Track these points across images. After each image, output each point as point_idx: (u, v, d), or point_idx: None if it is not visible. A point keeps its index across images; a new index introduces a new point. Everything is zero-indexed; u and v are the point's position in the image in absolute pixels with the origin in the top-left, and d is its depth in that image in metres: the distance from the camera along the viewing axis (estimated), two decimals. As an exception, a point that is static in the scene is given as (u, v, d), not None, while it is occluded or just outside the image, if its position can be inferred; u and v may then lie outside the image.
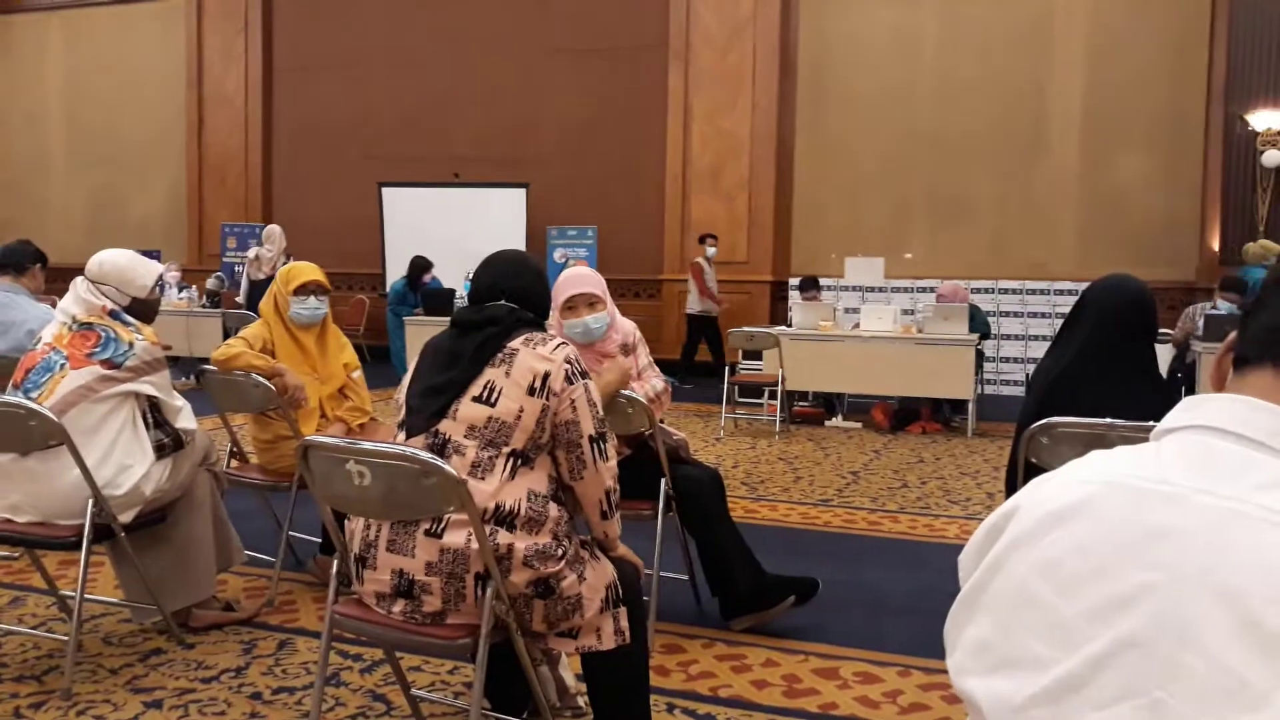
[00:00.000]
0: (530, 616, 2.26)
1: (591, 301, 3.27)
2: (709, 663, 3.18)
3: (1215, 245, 9.86)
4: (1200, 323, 7.53)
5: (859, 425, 8.08)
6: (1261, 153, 9.58)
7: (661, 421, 3.46)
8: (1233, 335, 1.02)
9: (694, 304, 10.27)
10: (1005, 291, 10.40)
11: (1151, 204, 10.33)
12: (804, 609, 3.43)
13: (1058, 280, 10.15)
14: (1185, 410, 0.98)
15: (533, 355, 2.29)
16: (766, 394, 8.28)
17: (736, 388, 8.38)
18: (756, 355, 8.54)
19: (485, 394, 2.26)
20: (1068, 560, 0.93)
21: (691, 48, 11.30)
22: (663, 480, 3.33)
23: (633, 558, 2.50)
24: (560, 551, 2.24)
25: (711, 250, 10.23)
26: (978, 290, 10.34)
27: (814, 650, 3.28)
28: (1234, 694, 0.79)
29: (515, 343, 2.31)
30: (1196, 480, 0.90)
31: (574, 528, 2.38)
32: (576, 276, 3.36)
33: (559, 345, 2.32)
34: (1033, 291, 10.34)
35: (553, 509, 2.27)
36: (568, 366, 2.29)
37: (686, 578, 3.65)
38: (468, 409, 2.26)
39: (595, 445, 2.32)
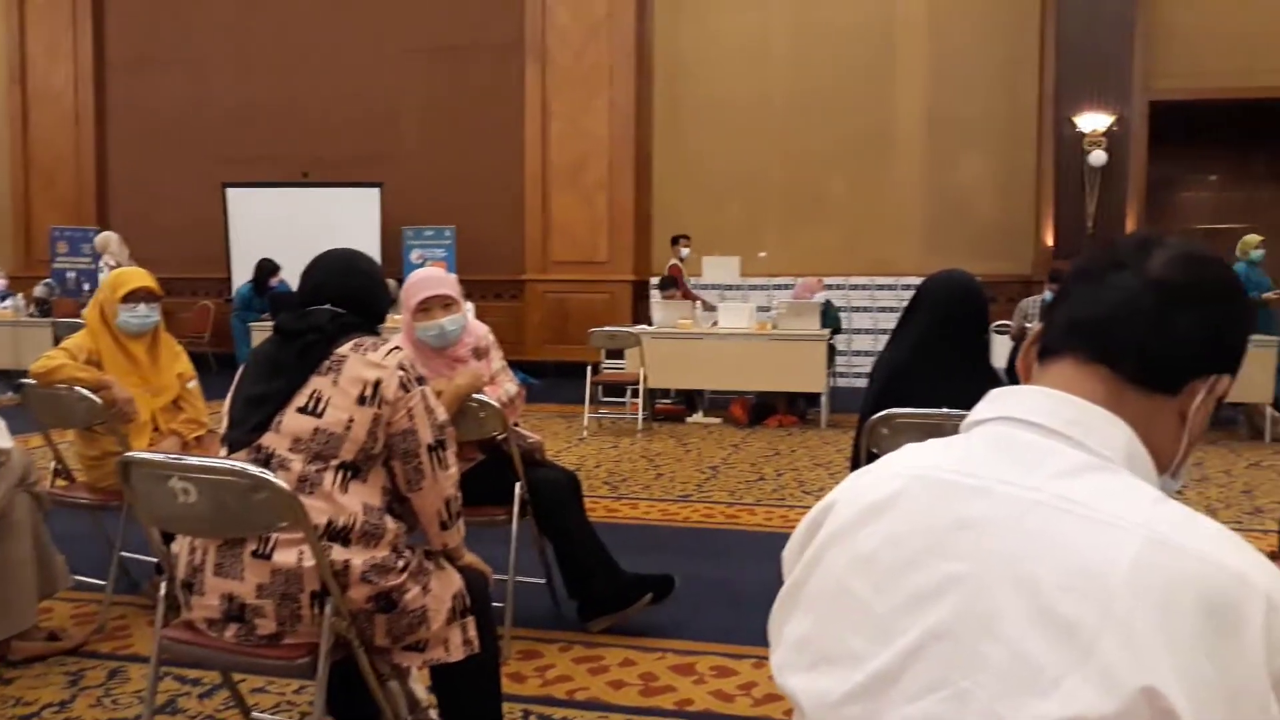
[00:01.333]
0: (373, 632, 2.19)
1: (446, 303, 3.20)
2: (566, 666, 3.16)
3: (1049, 240, 10.41)
4: (1035, 313, 7.95)
5: (719, 421, 8.21)
6: (1088, 153, 10.16)
7: (516, 425, 3.42)
8: (1039, 328, 1.05)
9: None
10: (856, 287, 10.74)
11: (991, 202, 10.84)
12: (662, 606, 3.44)
13: (905, 275, 10.53)
14: (991, 402, 1.00)
15: (363, 362, 2.19)
16: (629, 392, 8.31)
17: (600, 387, 8.38)
18: (619, 354, 8.57)
19: (311, 404, 2.16)
20: (881, 554, 0.94)
21: (548, 47, 11.25)
22: (517, 484, 3.29)
23: (480, 565, 2.45)
24: (401, 564, 2.17)
25: (685, 251, 9.90)
26: (830, 287, 10.64)
27: (671, 647, 3.30)
28: (1030, 681, 0.80)
29: (344, 349, 2.21)
30: (1000, 471, 0.92)
31: (415, 538, 2.31)
32: (430, 278, 3.28)
33: (391, 350, 2.24)
34: (881, 287, 10.71)
35: (390, 521, 2.20)
36: (401, 373, 2.21)
37: (544, 581, 3.62)
38: (292, 421, 2.16)
39: (434, 454, 2.25)
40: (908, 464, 0.99)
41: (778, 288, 10.65)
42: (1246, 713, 0.76)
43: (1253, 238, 8.25)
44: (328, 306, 2.28)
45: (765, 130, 11.25)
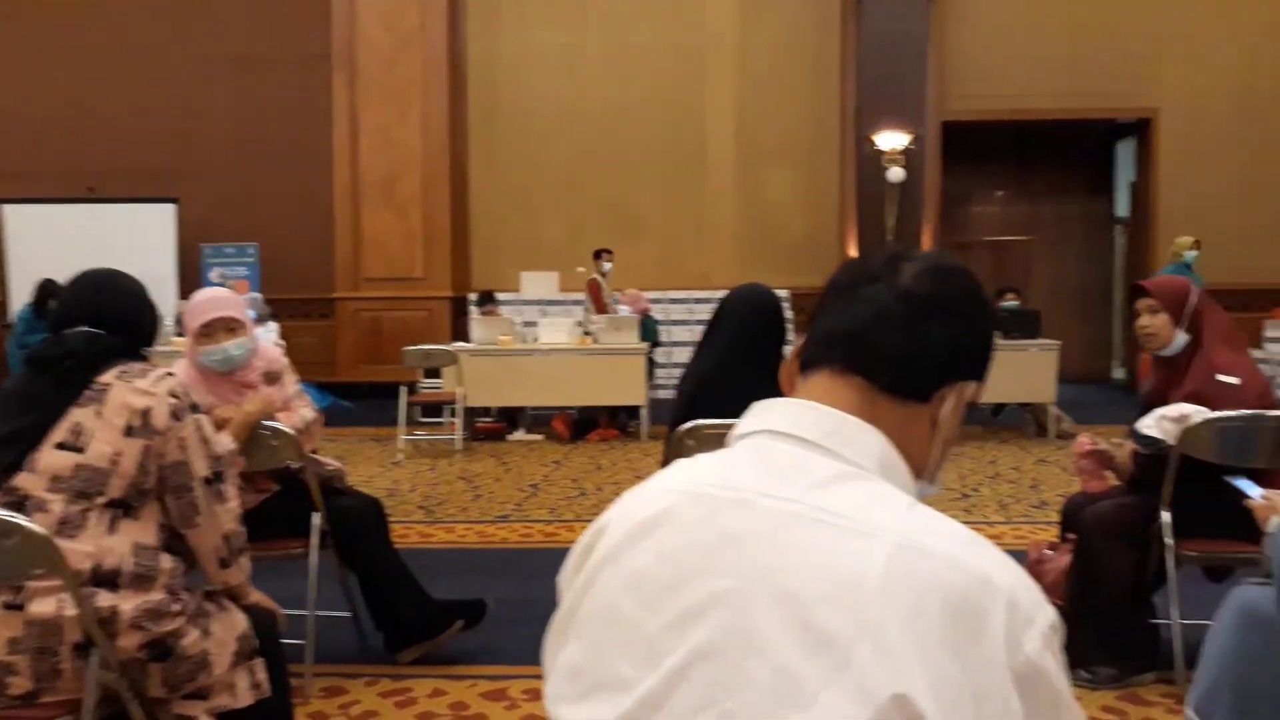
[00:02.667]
0: (147, 682, 2.02)
1: (231, 326, 3.00)
2: (372, 701, 3.03)
3: (853, 253, 10.88)
4: None
5: (541, 437, 8.15)
6: (887, 170, 10.70)
7: (314, 452, 3.26)
8: (801, 341, 1.06)
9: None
10: (675, 301, 10.92)
11: (799, 217, 11.25)
12: (475, 631, 3.36)
13: (720, 289, 10.73)
14: (755, 415, 1.00)
15: (129, 390, 2.03)
16: (447, 412, 8.14)
17: (418, 408, 8.17)
18: (436, 373, 8.37)
19: (71, 439, 1.98)
20: (651, 573, 0.92)
21: (357, 58, 10.92)
22: (315, 515, 3.13)
23: (268, 603, 2.31)
24: (176, 607, 2.01)
25: (608, 266, 9.57)
26: (650, 301, 10.78)
27: (483, 673, 3.21)
28: (792, 697, 0.80)
29: (108, 376, 2.04)
30: (761, 484, 0.91)
31: (196, 578, 2.15)
32: (213, 298, 3.08)
33: (162, 377, 2.08)
34: (699, 300, 10.92)
35: (165, 561, 2.04)
36: (173, 401, 2.06)
37: (349, 614, 3.46)
38: (50, 458, 1.97)
39: (209, 488, 2.10)
40: (678, 480, 0.98)
41: (598, 302, 10.69)
42: (991, 710, 0.77)
43: (1186, 239, 8.21)
44: (84, 329, 2.09)
45: (583, 145, 11.30)
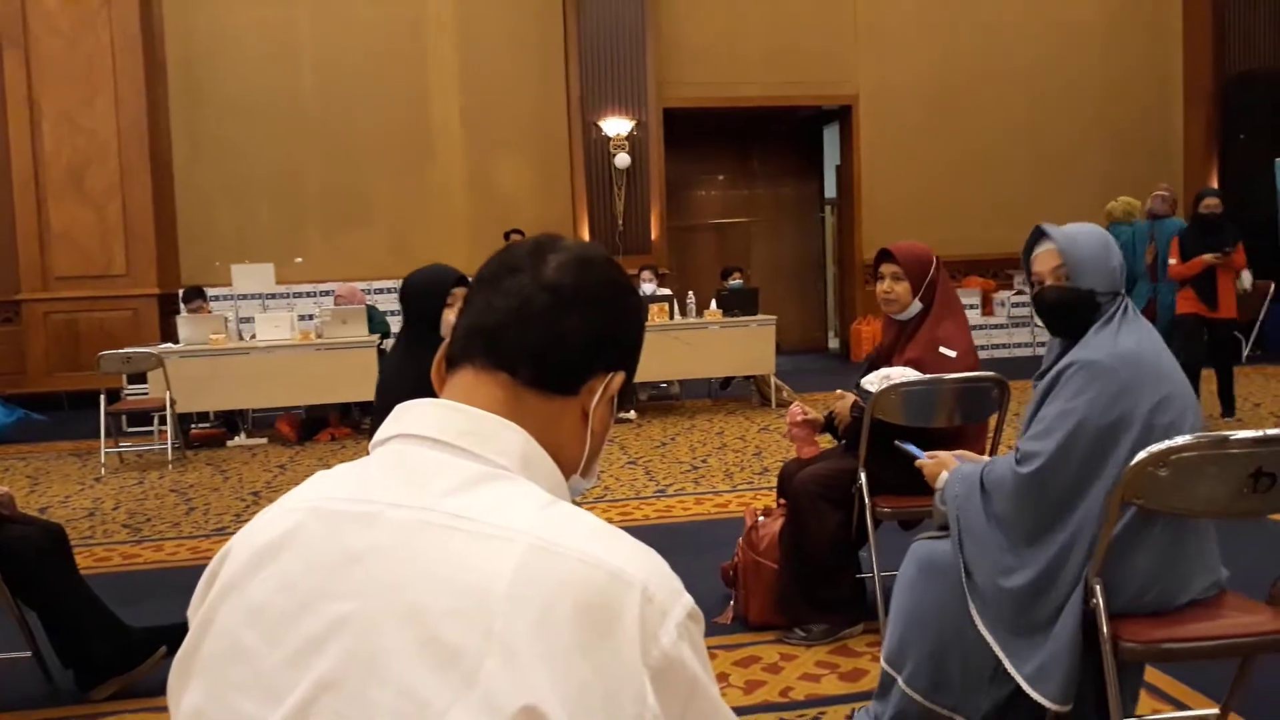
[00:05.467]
0: None
1: None
2: (59, 750, 2.72)
3: (586, 237, 11.01)
4: None
5: (264, 441, 7.68)
6: (614, 156, 10.89)
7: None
8: (447, 340, 1.01)
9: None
10: (407, 290, 10.60)
11: (531, 201, 11.22)
12: (181, 658, 3.09)
13: (454, 277, 10.59)
14: (393, 419, 0.94)
15: None
16: (156, 420, 7.51)
17: (123, 417, 7.48)
18: (142, 379, 7.69)
19: None
20: (273, 601, 0.84)
21: (32, 35, 9.78)
22: (-24, 547, 2.76)
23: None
24: None
25: None
26: (381, 290, 10.44)
27: (191, 703, 2.96)
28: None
29: None
30: (392, 494, 0.86)
31: None
32: None
33: None
34: (432, 289, 10.67)
35: None
36: None
37: (30, 654, 3.09)
38: None
39: None
40: (304, 497, 0.91)
41: (324, 294, 10.23)
42: (625, 709, 0.75)
43: (1119, 203, 8.08)
44: None
45: (299, 128, 10.73)
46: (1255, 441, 1.96)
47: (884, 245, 3.42)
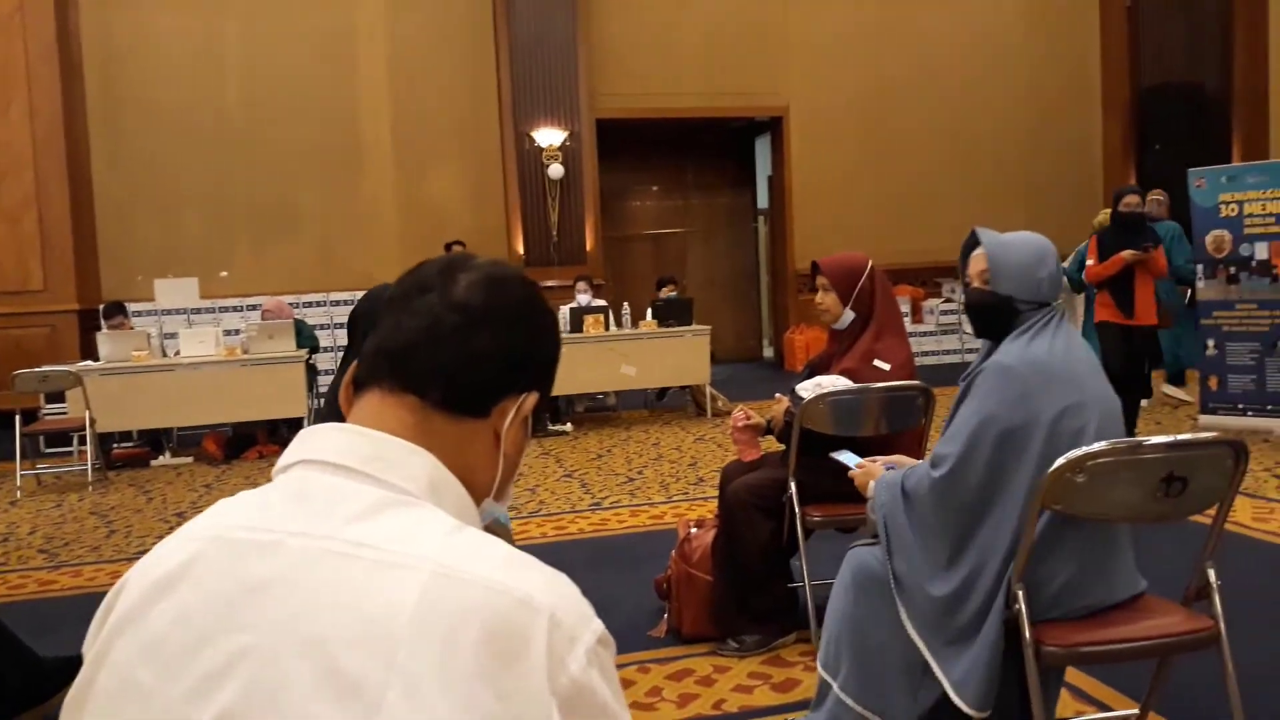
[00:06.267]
0: None
1: None
2: (-36, 789, 2.61)
3: (520, 248, 10.96)
4: None
5: (190, 460, 7.49)
6: (548, 166, 10.86)
7: None
8: (356, 362, 0.99)
9: None
10: (337, 303, 10.45)
11: (464, 212, 11.13)
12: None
13: (386, 289, 10.44)
14: (297, 444, 0.92)
15: None
16: (76, 440, 7.27)
17: (40, 438, 7.23)
18: (60, 397, 7.45)
19: None
20: (171, 635, 0.81)
21: (-61, 42, 9.48)
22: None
23: None
24: None
25: None
26: (310, 304, 10.27)
27: (107, 735, 2.86)
28: None
29: None
30: (294, 522, 0.83)
31: None
32: None
33: None
34: (364, 302, 10.53)
35: None
36: None
37: (-66, 689, 2.96)
38: None
39: None
40: (205, 525, 0.88)
41: (251, 308, 10.02)
42: None
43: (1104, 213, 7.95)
44: None
45: (225, 139, 10.52)
46: (1167, 447, 2.01)
47: (815, 255, 3.46)
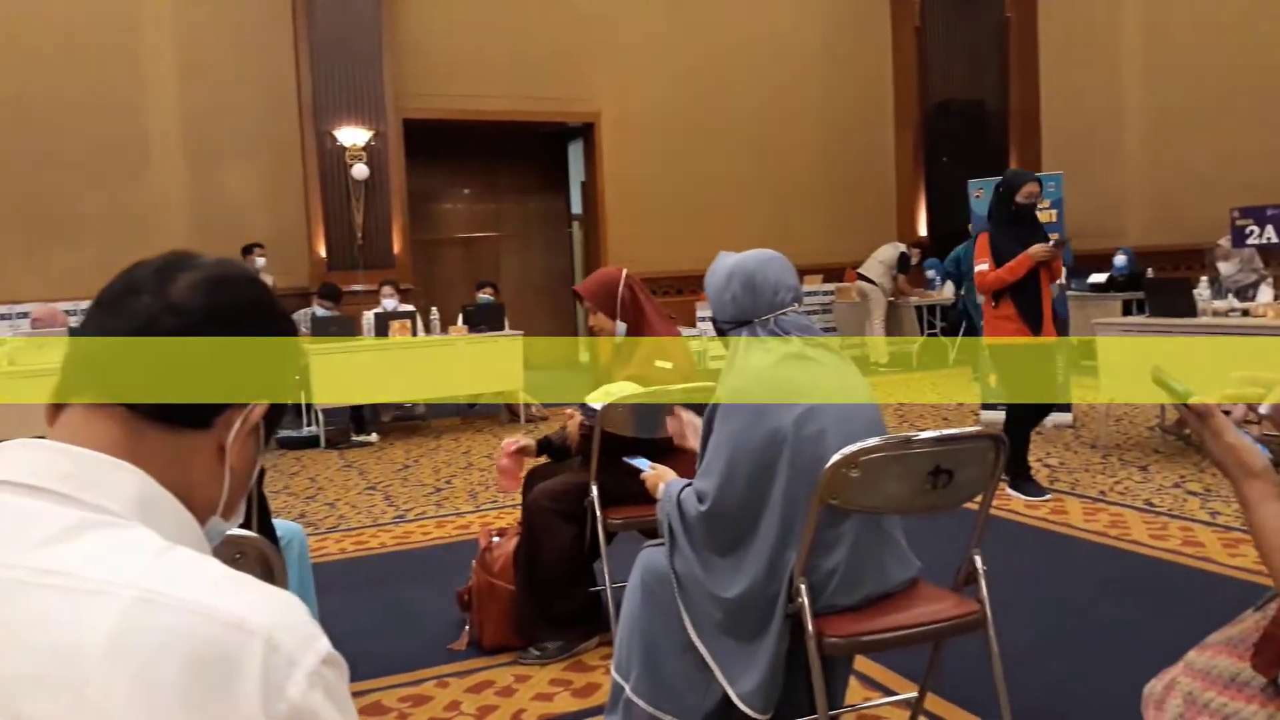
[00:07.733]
0: None
1: None
2: None
3: (322, 252, 10.56)
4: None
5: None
6: (351, 166, 10.51)
7: None
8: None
9: None
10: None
11: (261, 214, 10.61)
12: None
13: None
14: None
15: None
16: None
17: None
18: None
19: None
20: None
21: None
22: None
23: None
24: None
25: (261, 261, 9.22)
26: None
27: None
28: None
29: None
30: None
31: None
32: None
33: None
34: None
35: None
36: None
37: None
38: None
39: None
40: None
41: (21, 315, 9.22)
42: None
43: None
44: None
45: (8, 135, 9.64)
46: (934, 441, 2.11)
47: (630, 260, 3.52)
